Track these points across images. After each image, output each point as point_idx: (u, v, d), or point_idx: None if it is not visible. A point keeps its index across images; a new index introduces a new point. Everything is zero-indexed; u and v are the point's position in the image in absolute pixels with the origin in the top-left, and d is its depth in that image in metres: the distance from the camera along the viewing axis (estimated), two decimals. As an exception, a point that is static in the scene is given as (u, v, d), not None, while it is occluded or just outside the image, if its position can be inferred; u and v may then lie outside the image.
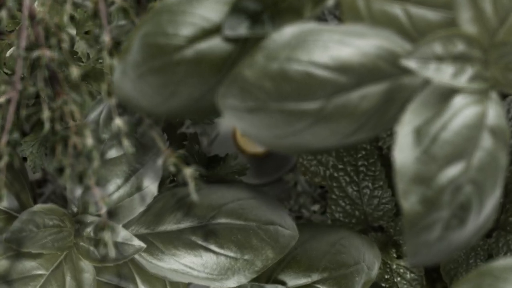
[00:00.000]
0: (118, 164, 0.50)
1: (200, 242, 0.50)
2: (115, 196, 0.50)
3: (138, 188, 0.50)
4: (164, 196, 0.51)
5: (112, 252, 0.47)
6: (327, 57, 0.35)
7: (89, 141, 0.37)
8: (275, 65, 0.35)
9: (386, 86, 0.36)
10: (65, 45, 0.39)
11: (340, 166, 0.83)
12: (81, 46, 0.62)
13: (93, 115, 0.50)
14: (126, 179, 0.50)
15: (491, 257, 0.79)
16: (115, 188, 0.50)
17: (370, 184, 0.81)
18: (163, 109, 0.38)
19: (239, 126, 0.36)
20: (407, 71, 0.35)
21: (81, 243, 0.50)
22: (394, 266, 0.78)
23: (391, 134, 0.85)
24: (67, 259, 0.50)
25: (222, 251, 0.50)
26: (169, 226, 0.50)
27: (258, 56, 0.35)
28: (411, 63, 0.35)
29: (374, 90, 0.36)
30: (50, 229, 0.49)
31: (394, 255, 0.79)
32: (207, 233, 0.49)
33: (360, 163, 0.83)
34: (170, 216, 0.51)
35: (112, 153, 0.50)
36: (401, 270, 0.78)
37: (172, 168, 0.39)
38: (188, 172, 0.40)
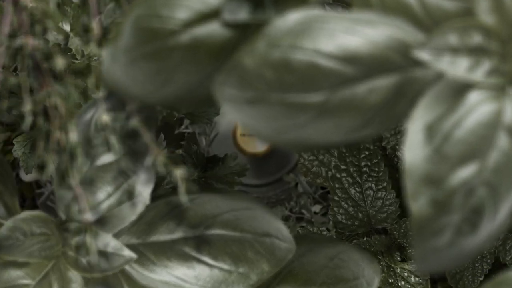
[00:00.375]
0: (109, 170, 0.48)
1: (193, 253, 0.48)
2: (106, 204, 0.48)
3: (130, 196, 0.48)
4: (157, 205, 0.49)
5: (95, 257, 0.45)
6: (333, 46, 0.33)
7: (73, 136, 0.35)
8: (277, 53, 0.33)
9: (396, 79, 0.34)
10: (51, 34, 0.37)
11: (343, 167, 0.83)
12: (75, 43, 0.60)
13: (84, 119, 0.48)
14: (118, 187, 0.48)
15: (497, 261, 0.77)
16: (105, 195, 0.48)
17: (373, 185, 0.81)
18: (157, 97, 0.35)
19: (237, 118, 0.33)
20: (419, 63, 0.33)
21: (69, 252, 0.48)
22: (398, 270, 0.77)
23: (395, 134, 0.85)
24: (54, 269, 0.49)
25: (216, 263, 0.48)
26: (161, 236, 0.49)
27: (259, 43, 0.33)
28: (423, 55, 0.32)
29: (383, 83, 0.33)
30: (37, 237, 0.48)
31: (398, 258, 0.78)
32: (200, 244, 0.48)
33: (363, 163, 0.82)
34: (163, 225, 0.49)
35: (104, 159, 0.48)
36: (406, 274, 0.77)
37: (161, 169, 0.37)
38: (179, 173, 0.37)
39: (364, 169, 0.82)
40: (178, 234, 0.48)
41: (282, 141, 0.34)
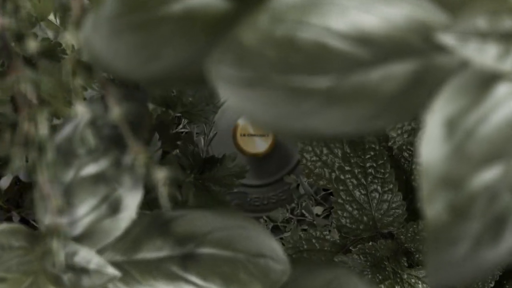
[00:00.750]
0: (94, 182, 0.46)
1: (181, 273, 0.46)
2: (89, 217, 0.46)
3: (116, 210, 0.46)
4: (144, 220, 0.47)
5: (61, 266, 0.42)
6: (345, 25, 0.30)
7: (43, 128, 0.31)
8: (282, 29, 0.30)
9: (415, 65, 0.30)
10: (24, 12, 0.34)
11: (347, 168, 0.81)
12: (65, 37, 0.58)
13: (69, 127, 0.45)
14: (103, 200, 0.46)
15: (510, 267, 0.75)
16: (89, 208, 0.46)
17: (379, 188, 0.79)
18: (141, 73, 0.32)
19: (234, 102, 0.30)
20: (441, 49, 0.30)
21: (49, 268, 0.45)
22: (405, 276, 0.76)
23: (401, 134, 0.83)
24: (33, 285, 0.46)
25: (205, 284, 0.45)
26: (148, 253, 0.46)
27: (261, 17, 0.30)
28: (447, 39, 0.29)
29: (400, 69, 0.30)
30: (15, 251, 0.46)
31: (405, 264, 0.76)
32: (189, 263, 0.46)
33: (368, 164, 0.81)
34: (150, 242, 0.47)
35: (88, 169, 0.45)
36: (413, 280, 0.75)
37: (141, 169, 0.34)
38: (161, 175, 0.34)
39: (370, 170, 0.80)
40: (165, 252, 0.46)
41: (283, 130, 0.31)
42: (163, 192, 0.34)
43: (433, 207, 0.29)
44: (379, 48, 0.30)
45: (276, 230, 1.04)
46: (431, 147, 0.29)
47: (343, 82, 0.30)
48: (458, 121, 0.29)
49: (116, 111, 0.34)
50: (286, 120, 0.30)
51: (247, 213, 1.06)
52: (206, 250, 0.46)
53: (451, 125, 0.29)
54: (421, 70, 0.30)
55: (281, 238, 1.02)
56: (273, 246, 0.46)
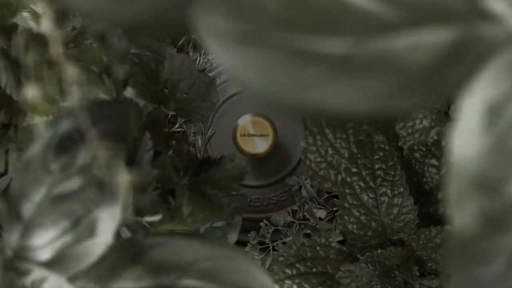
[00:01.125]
0: (67, 202, 0.44)
1: None
2: (61, 241, 0.44)
3: (90, 234, 0.44)
4: (121, 246, 0.45)
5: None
6: None
7: None
8: None
9: (453, 34, 0.25)
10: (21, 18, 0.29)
11: (354, 170, 0.79)
12: (49, 28, 0.54)
13: (42, 140, 0.43)
14: (76, 222, 0.44)
15: None
16: (61, 231, 0.44)
17: (388, 191, 0.75)
18: (111, 15, 0.26)
19: (223, 60, 0.24)
20: (488, 17, 0.25)
21: None
22: (417, 286, 0.73)
23: (412, 133, 0.80)
24: None
25: None
26: (125, 283, 0.44)
27: None
28: (497, 5, 0.25)
29: (433, 37, 0.26)
30: None
31: (417, 272, 0.73)
32: None
33: (377, 166, 0.78)
34: (127, 271, 0.44)
35: (62, 188, 0.43)
36: None
37: (100, 171, 0.29)
38: (122, 179, 0.29)
39: (378, 172, 0.77)
40: (144, 283, 0.43)
41: (278, 100, 0.25)
42: (126, 199, 0.29)
43: (463, 213, 0.25)
44: (410, 9, 0.25)
45: (277, 234, 1.03)
46: (466, 138, 0.25)
47: (362, 48, 0.24)
48: (503, 108, 0.25)
49: (73, 95, 0.29)
50: (283, 88, 0.24)
51: (247, 214, 1.05)
52: (189, 282, 0.43)
53: (494, 113, 0.25)
54: (460, 41, 0.25)
55: (284, 243, 1.00)
56: (263, 280, 0.44)
